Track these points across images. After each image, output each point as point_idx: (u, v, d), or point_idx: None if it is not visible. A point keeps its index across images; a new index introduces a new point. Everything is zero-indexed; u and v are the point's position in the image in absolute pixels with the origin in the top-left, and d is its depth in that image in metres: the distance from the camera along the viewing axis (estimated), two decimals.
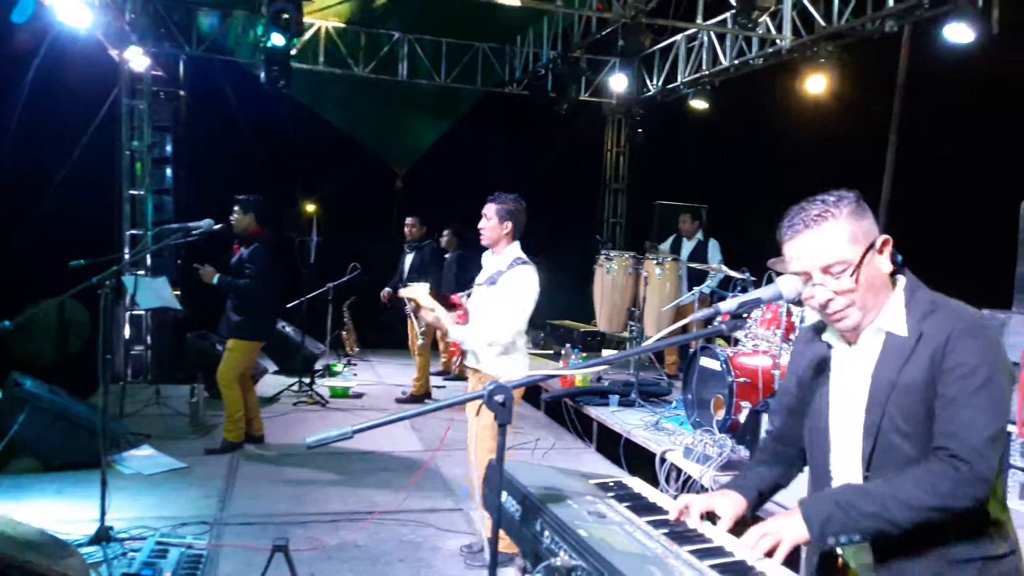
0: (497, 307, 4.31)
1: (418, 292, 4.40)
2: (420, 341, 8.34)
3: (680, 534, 1.94)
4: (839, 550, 2.00)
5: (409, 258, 8.71)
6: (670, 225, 10.23)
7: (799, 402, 2.13)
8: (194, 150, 9.99)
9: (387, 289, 8.66)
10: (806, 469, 2.18)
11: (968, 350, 1.78)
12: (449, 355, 9.77)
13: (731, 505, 2.06)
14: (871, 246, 1.87)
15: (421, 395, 8.64)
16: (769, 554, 1.81)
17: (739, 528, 1.99)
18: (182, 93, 9.89)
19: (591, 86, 11.60)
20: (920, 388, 1.83)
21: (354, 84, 10.77)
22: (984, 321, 1.87)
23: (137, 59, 8.77)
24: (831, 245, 1.85)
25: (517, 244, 4.48)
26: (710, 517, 2.04)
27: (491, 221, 4.42)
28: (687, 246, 9.10)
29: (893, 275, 1.94)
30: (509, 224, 4.41)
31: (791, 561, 1.84)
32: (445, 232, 8.99)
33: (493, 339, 4.28)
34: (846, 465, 1.98)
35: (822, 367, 2.05)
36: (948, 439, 1.76)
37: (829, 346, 2.04)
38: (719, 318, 2.06)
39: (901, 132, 7.81)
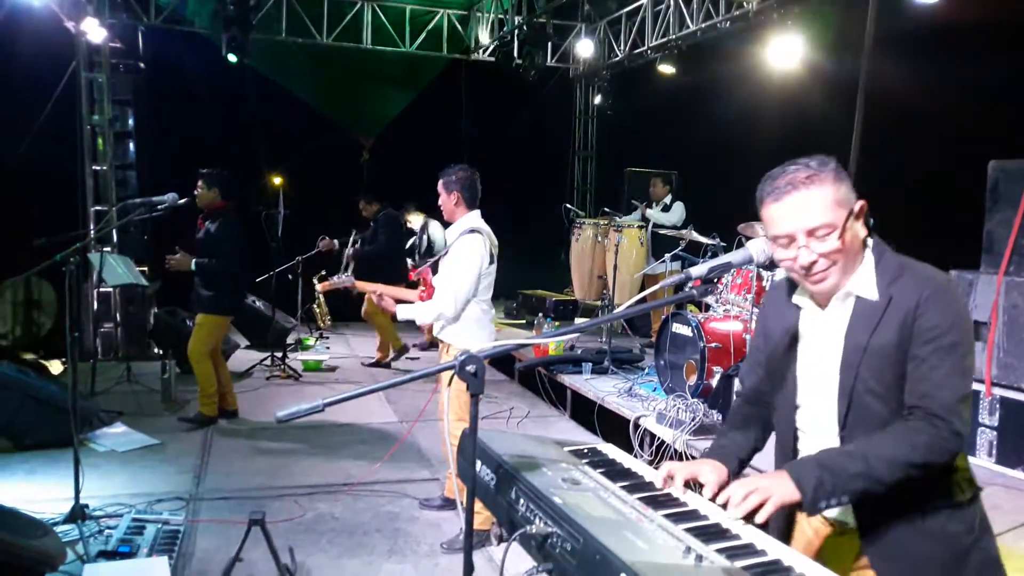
0: (445, 277, 4.35)
1: (340, 284, 4.56)
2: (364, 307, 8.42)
3: (654, 499, 1.95)
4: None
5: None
6: (640, 192, 10.21)
7: (768, 361, 2.16)
8: (156, 124, 9.79)
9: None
10: None
11: (939, 313, 1.83)
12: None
13: (714, 472, 2.05)
14: (851, 211, 1.90)
15: (387, 360, 8.68)
16: (751, 513, 1.81)
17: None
18: (142, 65, 9.67)
19: (558, 52, 11.51)
20: (892, 351, 1.87)
21: (317, 53, 10.60)
22: (950, 283, 1.91)
23: (94, 31, 8.55)
24: (819, 207, 1.86)
25: (474, 213, 4.47)
26: (693, 484, 2.05)
27: (441, 196, 4.47)
28: (656, 210, 9.09)
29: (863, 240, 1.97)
30: (456, 193, 4.42)
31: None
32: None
33: (440, 311, 4.30)
34: (817, 425, 2.01)
35: (790, 328, 2.08)
36: (922, 398, 1.82)
37: (798, 308, 2.07)
38: (690, 283, 2.06)
39: (869, 93, 7.83)
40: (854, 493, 1.81)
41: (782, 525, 2.10)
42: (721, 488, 1.96)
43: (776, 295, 2.19)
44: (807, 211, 1.86)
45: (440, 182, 4.46)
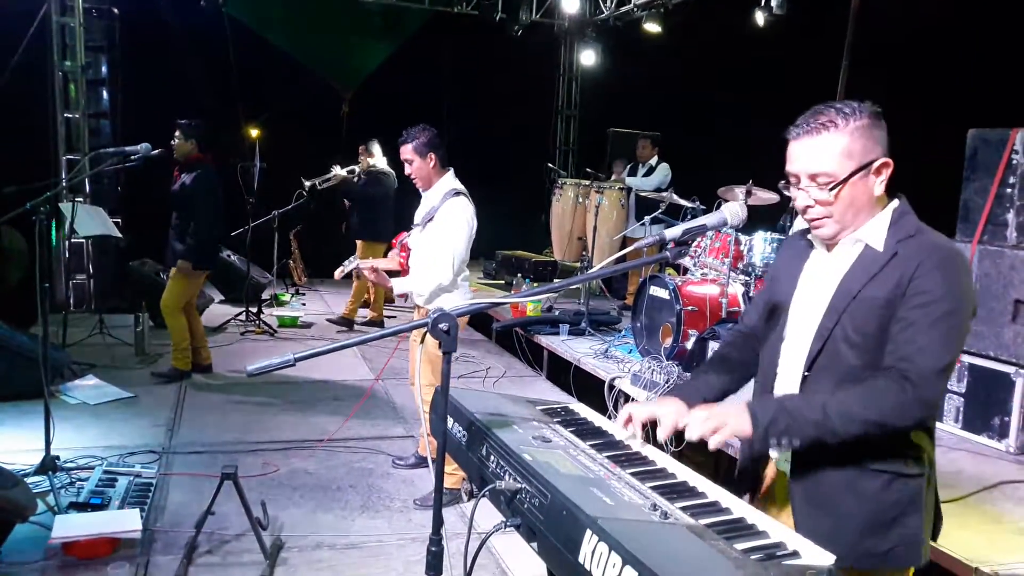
0: (437, 245, 4.24)
1: (352, 265, 4.42)
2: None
3: (623, 457, 1.98)
4: (774, 453, 2.06)
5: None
6: (622, 153, 10.16)
7: (771, 296, 2.18)
8: (131, 72, 9.55)
9: None
10: None
11: (935, 280, 1.81)
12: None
13: (672, 413, 2.00)
14: (866, 166, 1.88)
15: (380, 320, 8.70)
16: (704, 440, 1.87)
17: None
18: (116, 11, 9.42)
19: (543, 7, 11.35)
20: (879, 304, 1.86)
21: (296, 3, 10.38)
22: (960, 255, 1.89)
23: None
24: (823, 155, 1.87)
25: (450, 174, 4.40)
26: (653, 425, 2.05)
27: (415, 162, 4.31)
28: (640, 172, 9.06)
29: (892, 197, 1.96)
30: (432, 155, 4.31)
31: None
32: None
33: (438, 280, 4.21)
34: (791, 362, 2.03)
35: (798, 265, 2.10)
36: (900, 360, 1.81)
37: (811, 247, 2.08)
38: (668, 245, 2.06)
39: (853, 58, 7.81)
40: (806, 439, 1.83)
41: (749, 467, 2.15)
42: (677, 430, 1.98)
43: (795, 237, 2.22)
44: (813, 156, 1.88)
45: (408, 147, 4.28)
